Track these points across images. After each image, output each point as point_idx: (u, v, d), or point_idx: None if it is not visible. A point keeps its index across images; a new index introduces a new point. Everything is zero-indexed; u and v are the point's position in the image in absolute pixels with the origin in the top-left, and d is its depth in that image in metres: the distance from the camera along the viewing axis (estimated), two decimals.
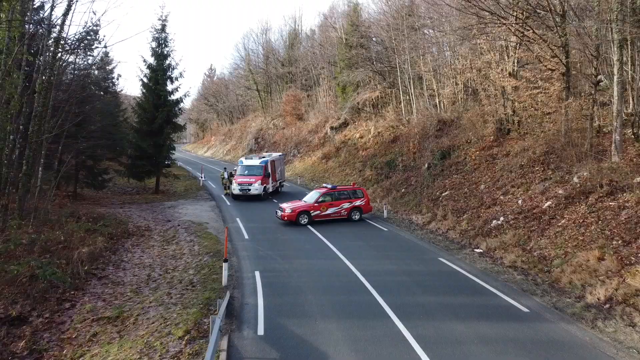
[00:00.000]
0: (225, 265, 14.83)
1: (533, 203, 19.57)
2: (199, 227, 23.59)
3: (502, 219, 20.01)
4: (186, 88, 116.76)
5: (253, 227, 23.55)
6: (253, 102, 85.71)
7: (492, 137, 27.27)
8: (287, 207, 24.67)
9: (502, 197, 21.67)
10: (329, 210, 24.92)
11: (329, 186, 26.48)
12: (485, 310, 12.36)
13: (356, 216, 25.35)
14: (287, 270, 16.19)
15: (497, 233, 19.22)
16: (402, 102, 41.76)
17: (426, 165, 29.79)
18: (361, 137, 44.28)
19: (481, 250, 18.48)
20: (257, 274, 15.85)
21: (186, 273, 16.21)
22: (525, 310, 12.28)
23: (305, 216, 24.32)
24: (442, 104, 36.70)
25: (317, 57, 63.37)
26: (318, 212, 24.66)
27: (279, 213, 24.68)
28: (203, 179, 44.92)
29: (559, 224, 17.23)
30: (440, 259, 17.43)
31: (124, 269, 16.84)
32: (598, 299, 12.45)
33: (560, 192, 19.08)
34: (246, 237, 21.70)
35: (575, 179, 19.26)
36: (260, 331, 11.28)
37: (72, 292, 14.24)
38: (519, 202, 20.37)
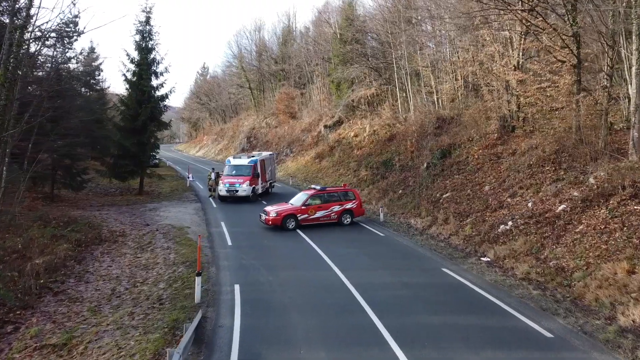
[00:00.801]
0: (198, 280, 12.89)
1: (545, 206, 17.72)
2: (178, 232, 21.63)
3: (510, 223, 18.16)
4: (172, 84, 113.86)
5: (238, 232, 21.60)
6: (246, 100, 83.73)
7: (495, 134, 25.43)
8: (272, 210, 22.63)
9: (509, 200, 19.82)
10: (318, 214, 22.83)
11: (318, 187, 24.43)
12: (500, 334, 10.48)
13: (347, 220, 23.38)
14: (271, 284, 14.27)
15: (506, 239, 17.37)
16: (398, 100, 39.91)
17: (425, 165, 27.93)
18: (356, 136, 42.41)
19: (489, 259, 16.62)
20: (236, 288, 13.92)
21: (156, 287, 14.25)
22: (549, 335, 10.40)
23: (292, 220, 22.22)
24: (440, 101, 34.86)
25: (310, 53, 61.48)
26: (306, 215, 22.56)
27: (263, 217, 22.56)
28: (191, 179, 42.90)
29: (577, 230, 15.38)
30: (444, 269, 15.55)
31: (87, 282, 14.87)
32: (633, 321, 10.59)
33: (575, 194, 17.24)
34: (229, 243, 19.77)
35: (592, 180, 17.43)
36: None
37: (19, 312, 12.26)
38: (529, 204, 18.53)
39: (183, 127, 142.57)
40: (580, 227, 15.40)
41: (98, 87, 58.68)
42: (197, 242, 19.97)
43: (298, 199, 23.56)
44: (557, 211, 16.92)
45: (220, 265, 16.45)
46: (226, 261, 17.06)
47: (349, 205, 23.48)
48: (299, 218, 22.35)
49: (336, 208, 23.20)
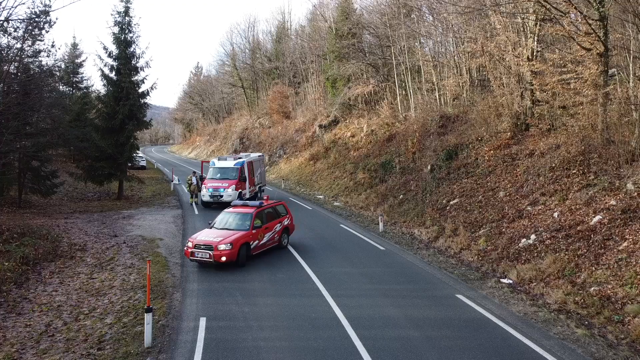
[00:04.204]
0: (148, 318, 10.04)
1: (575, 217, 14.96)
2: (148, 246, 18.78)
3: (533, 237, 15.40)
4: (154, 80, 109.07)
5: None
6: (239, 100, 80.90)
7: (508, 133, 22.68)
8: (219, 240, 15.49)
9: (529, 208, 17.05)
10: (265, 237, 17.37)
11: (257, 204, 18.30)
12: None
13: (285, 241, 18.73)
14: (246, 317, 11.46)
15: (530, 257, 14.60)
16: (398, 97, 37.15)
17: (429, 167, 25.17)
18: (353, 136, 39.65)
19: (511, 281, 13.84)
20: (202, 322, 11.12)
21: (101, 322, 11.41)
22: None
23: (245, 250, 16.12)
24: (443, 98, 32.12)
25: (305, 50, 58.71)
26: (257, 242, 16.87)
27: (201, 254, 15.44)
28: (176, 182, 40.04)
29: (620, 247, 12.62)
30: (459, 296, 12.75)
31: (19, 314, 12.02)
32: None
33: (612, 202, 14.49)
34: None
35: (630, 186, 14.69)
36: None
37: None
38: (555, 215, 15.77)
39: (178, 128, 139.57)
40: (625, 244, 12.64)
41: (82, 86, 56.10)
42: (169, 257, 17.36)
43: (233, 221, 17.09)
44: (592, 224, 14.17)
45: (187, 289, 13.63)
46: (196, 283, 14.24)
47: (286, 222, 18.92)
48: (252, 246, 16.53)
49: (277, 227, 18.20)
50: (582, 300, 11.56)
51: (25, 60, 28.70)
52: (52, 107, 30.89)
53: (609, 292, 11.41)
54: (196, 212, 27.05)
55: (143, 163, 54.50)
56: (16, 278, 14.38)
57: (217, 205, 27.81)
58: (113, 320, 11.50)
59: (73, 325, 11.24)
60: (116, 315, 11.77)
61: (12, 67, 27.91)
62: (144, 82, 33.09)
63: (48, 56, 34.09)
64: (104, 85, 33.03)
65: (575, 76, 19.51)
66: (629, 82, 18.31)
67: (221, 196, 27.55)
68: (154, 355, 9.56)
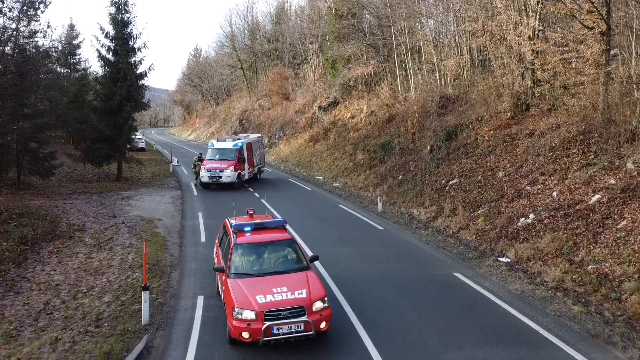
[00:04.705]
0: (145, 296, 10.06)
1: (575, 196, 14.91)
2: (147, 226, 18.78)
3: (532, 216, 15.37)
4: (151, 61, 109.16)
5: (215, 226, 18.56)
6: (238, 81, 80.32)
7: (509, 113, 22.50)
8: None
9: (529, 188, 17.00)
10: None
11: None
12: None
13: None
14: None
15: (528, 236, 14.58)
16: (398, 78, 36.83)
17: (428, 148, 25.05)
18: (352, 117, 39.41)
19: (509, 260, 13.85)
20: (199, 301, 11.16)
21: (99, 300, 11.44)
22: None
23: None
24: (444, 78, 31.84)
25: (305, 31, 58.09)
26: None
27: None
28: (175, 163, 39.94)
29: (619, 226, 12.59)
30: (457, 274, 12.75)
31: (18, 293, 12.05)
32: None
33: (611, 182, 14.42)
34: (203, 239, 16.99)
35: (630, 165, 14.61)
36: None
37: None
38: (554, 194, 15.72)
39: (178, 110, 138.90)
40: (623, 222, 12.61)
41: (79, 67, 55.71)
42: (167, 237, 17.38)
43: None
44: (591, 203, 14.12)
45: (186, 269, 13.67)
46: (194, 262, 14.28)
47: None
48: None
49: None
50: (579, 278, 11.56)
51: (21, 40, 28.43)
52: (49, 89, 30.71)
53: (606, 270, 11.40)
54: (195, 193, 27.03)
55: (142, 145, 54.33)
56: (15, 257, 14.40)
57: (216, 186, 27.79)
58: (111, 298, 11.54)
59: (71, 304, 11.27)
60: (114, 294, 11.80)
61: (8, 48, 27.65)
62: (141, 63, 32.87)
63: (44, 37, 33.80)
64: (101, 66, 32.80)
65: (576, 55, 19.27)
66: (631, 61, 18.12)
67: (220, 177, 27.49)
68: (151, 332, 9.60)
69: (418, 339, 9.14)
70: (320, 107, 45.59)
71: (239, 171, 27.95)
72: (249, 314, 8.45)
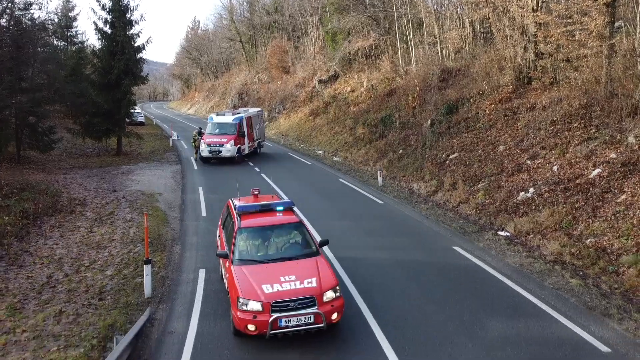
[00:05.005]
0: (147, 269, 10.16)
1: (575, 170, 14.91)
2: (147, 200, 18.84)
3: (532, 190, 15.40)
4: (149, 34, 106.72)
5: (216, 200, 18.76)
6: (237, 55, 79.42)
7: (510, 87, 22.32)
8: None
9: (529, 162, 16.98)
10: None
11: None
12: (539, 347, 7.86)
13: None
14: None
15: (528, 210, 14.63)
16: (399, 51, 36.40)
17: (429, 122, 24.93)
18: (353, 91, 39.11)
19: (508, 234, 13.93)
20: (201, 274, 11.28)
21: (102, 274, 11.57)
22: (604, 349, 7.77)
23: None
24: (445, 52, 31.47)
25: (304, 2, 57.13)
26: None
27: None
28: (175, 138, 39.79)
29: (618, 200, 12.63)
30: (456, 248, 12.85)
31: (21, 266, 12.17)
32: None
33: (612, 156, 14.40)
34: (204, 214, 17.06)
35: (632, 139, 14.56)
36: None
37: None
38: (554, 168, 15.71)
39: (177, 84, 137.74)
40: (623, 196, 12.64)
41: (76, 40, 55.02)
42: (168, 212, 17.45)
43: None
44: (591, 177, 14.13)
45: (187, 243, 13.77)
46: (195, 237, 14.38)
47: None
48: None
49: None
50: (577, 251, 11.65)
51: (17, 13, 28.06)
52: (46, 62, 30.38)
53: (604, 243, 11.48)
54: (195, 168, 27.02)
55: (141, 119, 54.07)
56: (17, 232, 14.48)
57: (216, 160, 27.77)
58: (113, 272, 11.66)
59: (74, 277, 11.40)
60: (116, 268, 11.93)
61: (3, 21, 27.33)
62: (139, 36, 32.51)
63: (40, 9, 33.37)
64: (98, 39, 32.64)
65: (580, 28, 19.01)
66: (635, 33, 17.85)
67: (220, 151, 27.44)
68: (154, 305, 9.72)
69: (417, 311, 9.26)
70: (320, 81, 45.22)
71: (239, 145, 27.88)
72: (254, 305, 7.87)
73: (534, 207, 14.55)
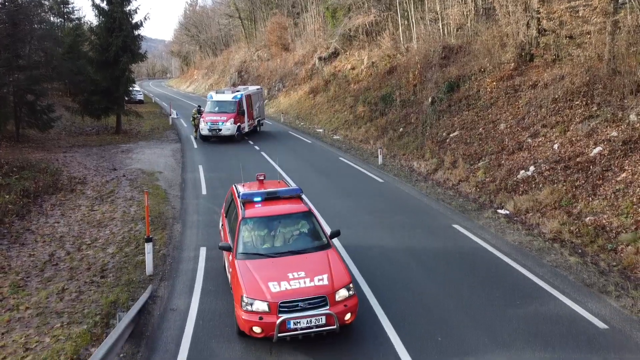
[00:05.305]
0: (148, 247, 10.22)
1: (575, 149, 14.88)
2: (148, 179, 18.86)
3: (532, 169, 15.39)
4: (147, 10, 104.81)
5: (216, 179, 18.83)
6: (237, 32, 78.54)
7: (512, 64, 22.11)
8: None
9: (530, 140, 16.94)
10: None
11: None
12: (537, 325, 7.95)
13: None
14: None
15: (528, 188, 14.65)
16: (400, 28, 35.96)
17: (430, 100, 24.78)
18: (353, 69, 38.74)
19: (507, 212, 13.98)
20: (202, 252, 11.35)
21: (104, 252, 11.64)
22: (602, 325, 7.87)
23: None
24: (447, 28, 31.08)
25: None
26: None
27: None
28: (174, 116, 39.59)
29: (618, 178, 12.63)
30: (455, 226, 12.90)
31: (23, 244, 12.24)
32: None
33: (613, 134, 14.35)
34: (204, 192, 17.08)
35: (633, 117, 14.49)
36: None
37: None
38: (555, 146, 15.68)
39: (175, 61, 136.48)
40: (623, 175, 12.64)
41: (73, 17, 54.32)
42: (168, 190, 17.47)
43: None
44: (592, 155, 14.11)
45: (188, 221, 13.82)
46: (196, 215, 14.42)
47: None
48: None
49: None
50: (577, 229, 11.70)
51: None
52: (43, 39, 30.10)
53: (604, 221, 11.53)
54: (195, 146, 26.97)
55: (140, 97, 53.77)
56: (18, 210, 14.52)
57: (216, 139, 27.70)
58: (115, 250, 11.73)
59: (76, 255, 11.47)
60: (118, 246, 12.00)
61: None
62: (136, 12, 32.31)
63: None
64: (95, 15, 32.07)
65: (584, 3, 18.76)
66: None
67: (220, 130, 27.34)
68: (155, 282, 9.81)
69: (417, 288, 9.34)
70: (320, 58, 44.79)
71: (238, 124, 27.77)
72: (260, 305, 7.21)
73: (534, 186, 14.57)
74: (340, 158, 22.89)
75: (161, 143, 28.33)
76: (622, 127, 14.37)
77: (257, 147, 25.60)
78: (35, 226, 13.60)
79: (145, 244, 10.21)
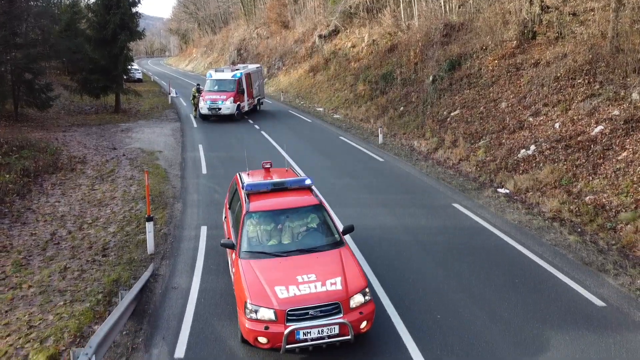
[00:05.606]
0: (149, 226, 10.26)
1: (577, 127, 14.83)
2: (148, 158, 18.84)
3: (533, 148, 15.36)
4: None
5: (216, 158, 18.83)
6: (235, 9, 77.57)
7: (514, 42, 21.88)
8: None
9: (531, 119, 16.86)
10: None
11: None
12: (536, 302, 8.03)
13: None
14: None
15: (528, 167, 14.65)
16: (401, 5, 35.50)
17: (430, 79, 24.59)
18: (353, 47, 38.36)
19: (507, 191, 14.00)
20: (203, 231, 11.40)
21: (105, 231, 11.69)
22: (599, 303, 7.95)
23: None
24: (449, 5, 30.68)
25: None
26: None
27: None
28: (174, 95, 39.35)
29: (619, 157, 12.62)
30: (455, 205, 12.93)
31: (24, 223, 12.28)
32: None
33: (615, 113, 14.28)
34: (204, 171, 17.07)
35: (636, 95, 14.40)
36: (180, 352, 6.95)
37: None
38: (556, 125, 15.62)
39: (174, 39, 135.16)
40: (624, 154, 12.62)
41: None
42: (169, 169, 17.47)
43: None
44: (593, 134, 14.06)
45: (188, 200, 13.85)
46: (196, 194, 14.45)
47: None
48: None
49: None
50: (576, 208, 11.73)
51: None
52: (40, 16, 29.70)
53: (604, 200, 11.55)
54: (195, 125, 26.87)
55: (139, 76, 53.40)
56: (18, 189, 14.52)
57: (215, 117, 27.58)
58: (116, 229, 11.78)
59: (77, 234, 11.52)
60: (119, 225, 12.04)
61: None
62: None
63: None
64: None
65: None
66: None
67: (219, 109, 27.20)
68: (157, 261, 9.87)
69: (416, 267, 9.41)
70: (320, 36, 44.31)
71: (238, 102, 27.61)
72: (266, 313, 6.46)
73: (534, 165, 14.55)
74: (341, 137, 22.82)
75: (161, 122, 28.21)
76: (624, 105, 14.29)
77: (257, 126, 25.51)
78: (36, 205, 13.63)
79: (146, 222, 10.25)
